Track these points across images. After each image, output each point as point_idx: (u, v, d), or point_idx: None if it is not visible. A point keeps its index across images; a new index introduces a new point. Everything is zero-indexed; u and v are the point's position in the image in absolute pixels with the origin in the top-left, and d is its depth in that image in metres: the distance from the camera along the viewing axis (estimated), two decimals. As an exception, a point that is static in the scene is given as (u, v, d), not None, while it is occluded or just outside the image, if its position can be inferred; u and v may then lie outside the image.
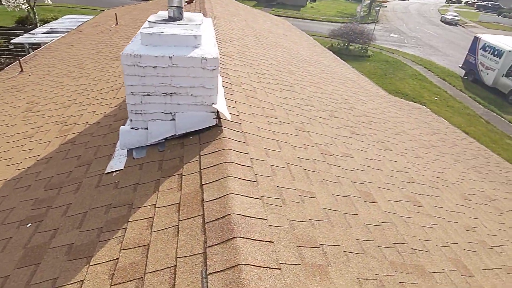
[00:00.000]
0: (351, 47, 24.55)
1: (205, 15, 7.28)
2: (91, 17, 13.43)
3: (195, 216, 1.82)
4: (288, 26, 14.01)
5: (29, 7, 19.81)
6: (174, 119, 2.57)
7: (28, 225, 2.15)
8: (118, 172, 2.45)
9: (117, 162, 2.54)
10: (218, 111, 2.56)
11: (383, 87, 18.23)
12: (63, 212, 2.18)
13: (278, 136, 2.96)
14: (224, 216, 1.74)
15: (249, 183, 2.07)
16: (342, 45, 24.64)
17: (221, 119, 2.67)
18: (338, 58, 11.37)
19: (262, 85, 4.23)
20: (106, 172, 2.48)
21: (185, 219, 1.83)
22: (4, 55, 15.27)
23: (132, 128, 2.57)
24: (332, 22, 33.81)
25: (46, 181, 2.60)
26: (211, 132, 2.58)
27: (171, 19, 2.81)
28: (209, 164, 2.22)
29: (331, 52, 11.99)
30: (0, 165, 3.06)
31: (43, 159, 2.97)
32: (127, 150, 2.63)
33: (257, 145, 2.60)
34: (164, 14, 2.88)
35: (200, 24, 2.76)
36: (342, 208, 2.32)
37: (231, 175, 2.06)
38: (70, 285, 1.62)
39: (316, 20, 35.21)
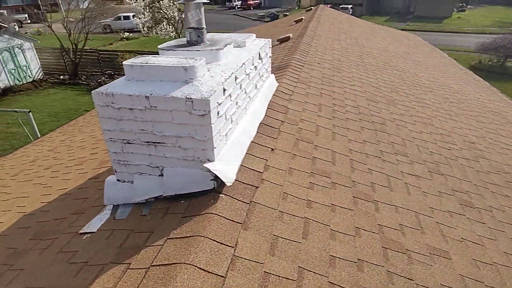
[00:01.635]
0: (508, 63, 19.52)
1: (304, 34, 6.59)
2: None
3: None
4: (416, 42, 11.95)
5: (176, 34, 23.27)
6: (163, 175, 1.95)
7: (-22, 288, 1.87)
8: (89, 235, 1.97)
9: (97, 221, 2.07)
10: (212, 172, 1.80)
11: (555, 116, 13.58)
12: (8, 281, 1.81)
13: (314, 212, 1.97)
14: None
15: (194, 316, 1.23)
16: (496, 61, 19.86)
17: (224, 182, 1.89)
18: (480, 79, 8.83)
19: (333, 122, 3.22)
20: (80, 232, 2.03)
21: None
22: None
23: (118, 180, 2.07)
24: (485, 33, 28.07)
25: (40, 226, 2.36)
26: (205, 199, 1.83)
27: (188, 44, 2.24)
28: (163, 259, 1.48)
29: (470, 72, 9.45)
30: (36, 193, 3.07)
31: (64, 194, 2.80)
32: (113, 206, 2.14)
33: (262, 230, 1.71)
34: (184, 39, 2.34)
35: (218, 50, 2.09)
36: None
37: (171, 294, 1.27)
38: None
39: (463, 33, 29.89)
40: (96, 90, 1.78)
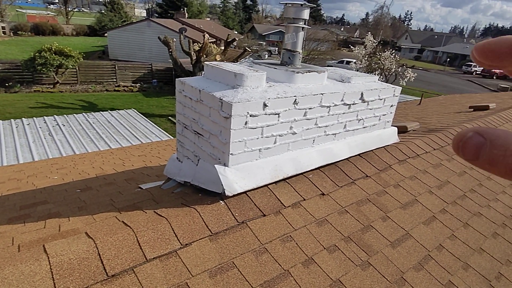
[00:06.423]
0: None
1: (512, 110, 5.19)
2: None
3: None
4: None
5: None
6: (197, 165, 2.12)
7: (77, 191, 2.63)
8: (139, 189, 2.39)
9: (151, 184, 2.48)
10: (219, 176, 1.81)
11: None
12: (97, 196, 2.46)
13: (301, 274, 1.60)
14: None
15: None
16: None
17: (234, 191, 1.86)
18: None
19: (446, 208, 2.43)
20: (139, 186, 2.49)
21: None
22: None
23: (177, 158, 2.41)
24: None
25: (132, 175, 3.02)
26: (210, 198, 1.87)
27: (280, 64, 2.34)
28: (127, 219, 1.64)
29: None
30: (144, 161, 3.90)
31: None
32: (167, 177, 2.49)
33: (225, 251, 1.57)
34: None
35: (294, 72, 2.09)
36: None
37: None
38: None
39: None
40: (178, 78, 2.17)
